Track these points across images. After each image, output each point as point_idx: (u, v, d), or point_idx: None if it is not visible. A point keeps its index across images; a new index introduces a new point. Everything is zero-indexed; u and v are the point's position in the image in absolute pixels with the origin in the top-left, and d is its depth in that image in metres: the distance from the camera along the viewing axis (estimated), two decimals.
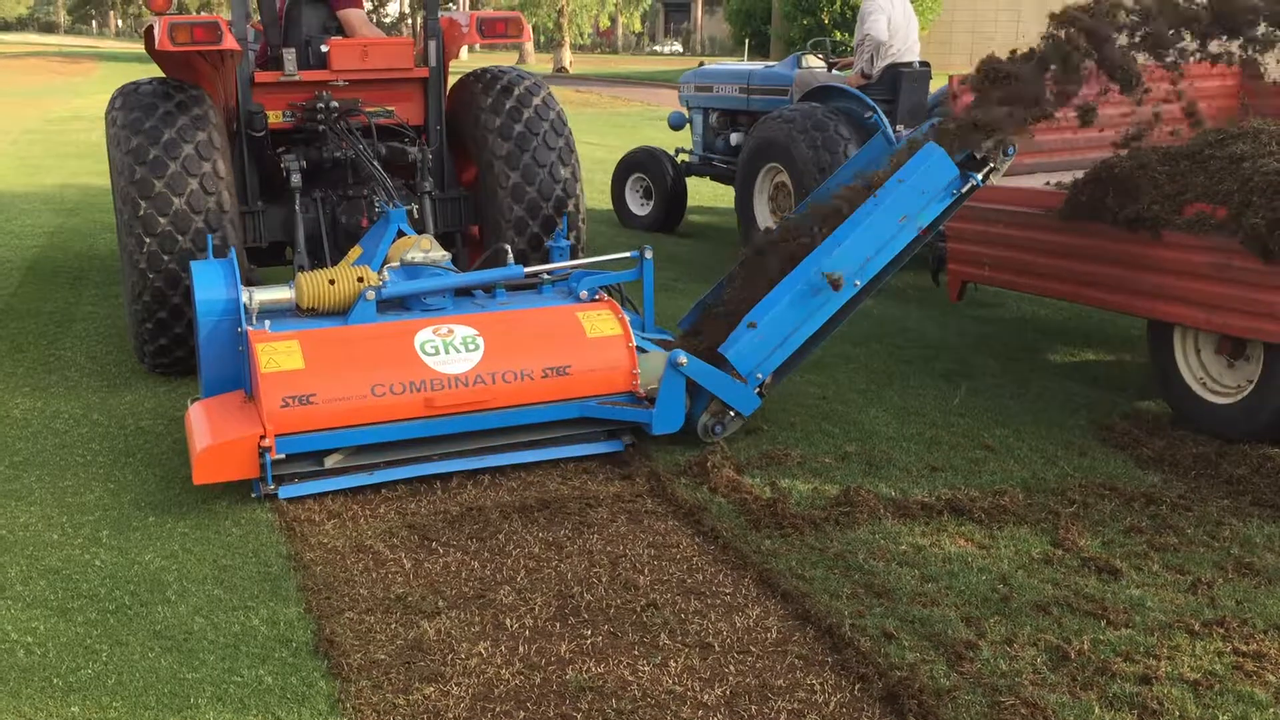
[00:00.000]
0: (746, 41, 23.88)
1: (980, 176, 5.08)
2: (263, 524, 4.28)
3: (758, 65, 10.64)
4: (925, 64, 8.89)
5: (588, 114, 24.21)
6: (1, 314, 7.23)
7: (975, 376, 6.07)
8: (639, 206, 10.74)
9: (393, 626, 3.55)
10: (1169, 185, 5.04)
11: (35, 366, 6.17)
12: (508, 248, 5.67)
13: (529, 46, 48.17)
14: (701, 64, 11.19)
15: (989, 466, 4.82)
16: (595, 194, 11.44)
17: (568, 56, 42.65)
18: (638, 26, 50.62)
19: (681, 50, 59.93)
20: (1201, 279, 4.92)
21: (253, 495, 4.50)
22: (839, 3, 22.74)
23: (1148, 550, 4.04)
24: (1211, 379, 5.19)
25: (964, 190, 5.08)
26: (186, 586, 3.80)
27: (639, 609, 3.66)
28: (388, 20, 58.92)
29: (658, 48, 62.64)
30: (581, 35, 44.48)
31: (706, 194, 12.40)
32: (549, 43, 46.19)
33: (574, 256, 6.06)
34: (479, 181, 6.62)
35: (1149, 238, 5.09)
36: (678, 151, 10.69)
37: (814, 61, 9.78)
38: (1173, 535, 4.17)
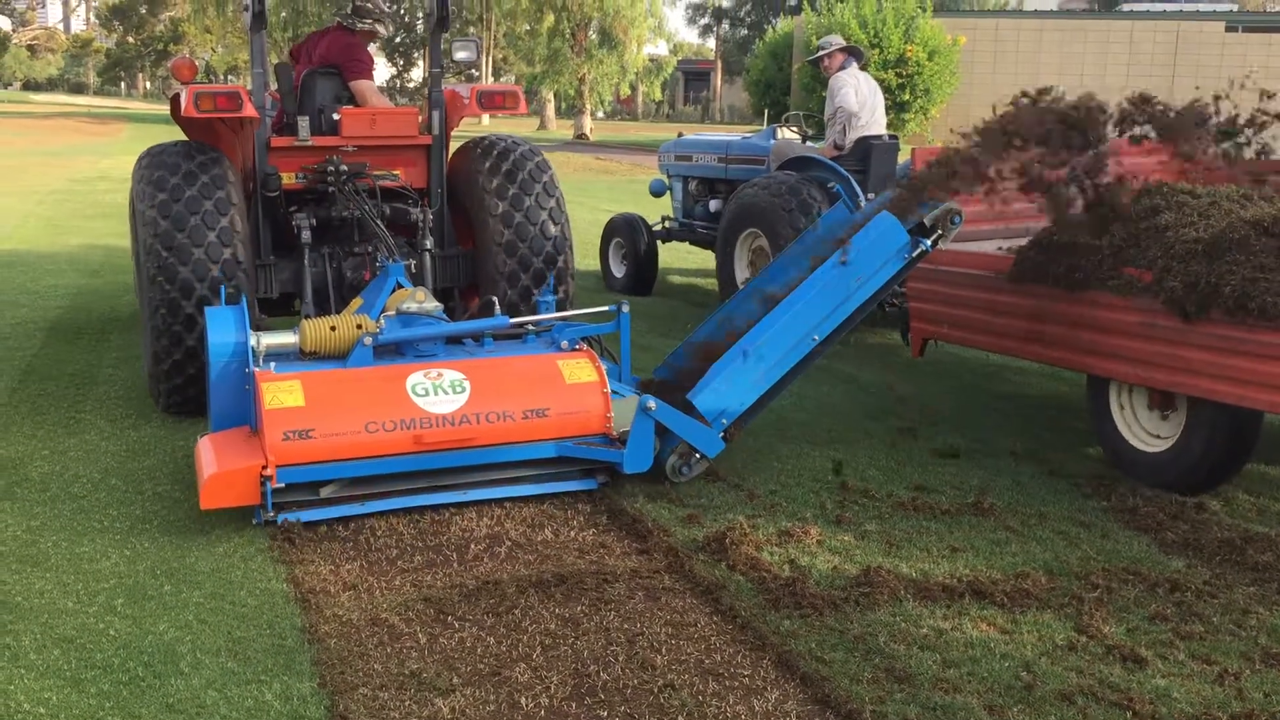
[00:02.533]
0: (766, 111, 24.13)
1: (930, 242, 5.48)
2: (277, 594, 4.26)
3: (735, 136, 11.12)
4: (894, 136, 9.41)
5: (606, 181, 24.44)
6: (23, 375, 7.27)
7: (993, 455, 6.03)
8: (618, 269, 11.21)
9: (406, 704, 3.51)
10: (1104, 250, 5.46)
11: (55, 429, 6.18)
12: (495, 300, 6.15)
13: (550, 113, 48.86)
14: (680, 134, 11.67)
15: (1010, 548, 4.77)
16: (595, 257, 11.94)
17: (589, 124, 43.14)
18: (658, 95, 51.28)
19: (700, 119, 60.56)
20: (1132, 337, 5.33)
21: (254, 521, 4.85)
22: None
23: (1173, 638, 3.98)
24: (1144, 429, 5.62)
25: (914, 255, 5.49)
26: (200, 658, 3.77)
27: (656, 690, 3.62)
28: (411, 85, 59.90)
29: (682, 123, 63.23)
30: (602, 103, 45.03)
31: (689, 259, 12.94)
32: (570, 110, 46.73)
33: (561, 310, 6.37)
34: (476, 238, 7.09)
35: (1086, 299, 5.50)
36: (663, 219, 11.16)
37: (789, 133, 10.19)
38: (1198, 623, 4.10)
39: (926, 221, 5.46)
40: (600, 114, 50.80)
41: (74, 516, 4.97)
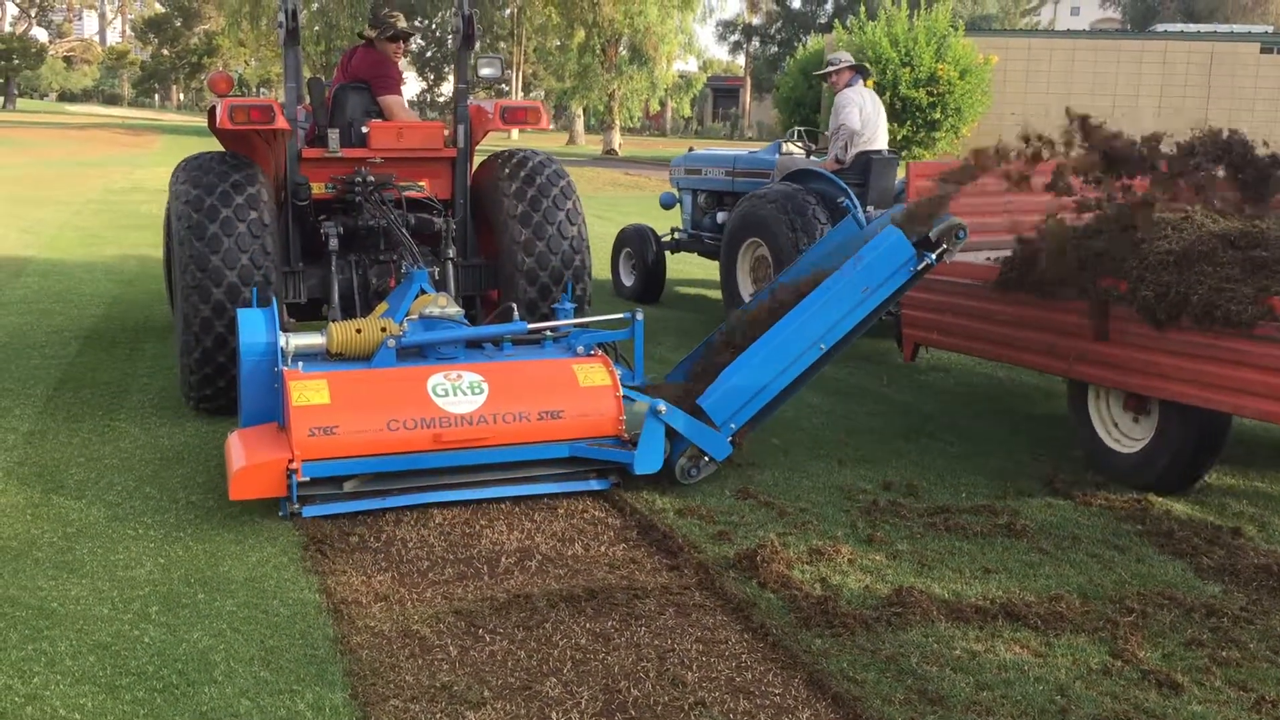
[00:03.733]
0: (796, 129, 24.10)
1: (934, 256, 5.60)
2: (310, 605, 4.28)
3: (742, 151, 11.48)
4: (894, 152, 9.73)
5: (634, 196, 24.50)
6: (59, 383, 7.35)
7: (1026, 476, 6.00)
8: (628, 278, 11.61)
9: (438, 716, 3.52)
10: (1086, 262, 5.65)
11: (91, 436, 6.24)
12: (514, 306, 6.33)
13: (579, 128, 49.04)
14: (691, 149, 12.02)
15: (1044, 570, 4.74)
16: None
17: (618, 139, 43.26)
18: (687, 111, 51.27)
19: (729, 135, 60.61)
20: (1109, 343, 5.61)
21: (280, 514, 5.05)
22: (888, 95, 22.91)
23: (1210, 664, 3.94)
24: (1120, 432, 5.91)
25: (920, 268, 5.60)
26: (234, 667, 3.79)
27: (687, 707, 3.61)
28: (441, 100, 60.28)
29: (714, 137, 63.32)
30: (631, 118, 45.13)
31: (697, 270, 13.24)
32: (600, 125, 46.87)
33: (579, 313, 6.71)
34: (496, 241, 7.29)
35: (1067, 307, 5.77)
36: (672, 230, 11.51)
37: (793, 148, 10.52)
38: (1235, 649, 4.06)
39: (932, 236, 5.60)
40: (629, 129, 50.93)
41: (109, 524, 5.01)
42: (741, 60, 69.12)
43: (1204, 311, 5.12)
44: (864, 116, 9.41)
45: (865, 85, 9.73)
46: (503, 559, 4.74)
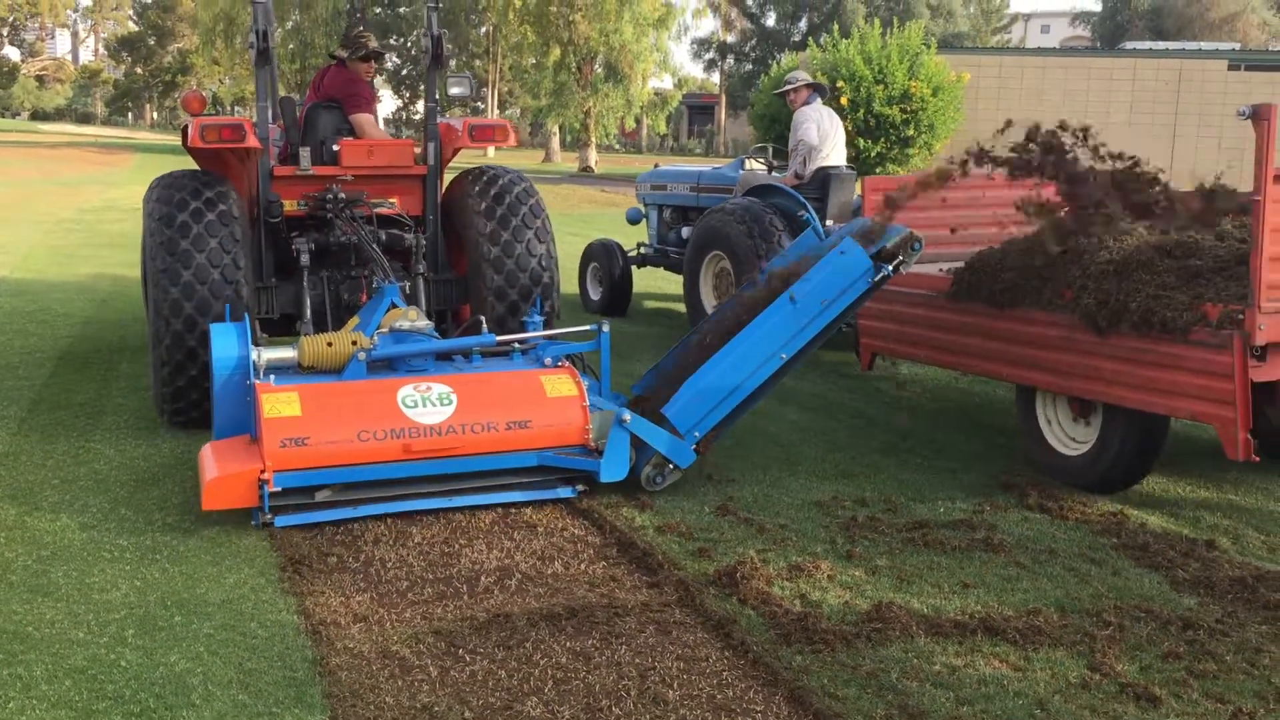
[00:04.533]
0: (770, 145, 24.20)
1: (891, 267, 5.76)
2: (288, 626, 4.25)
3: (706, 167, 11.76)
4: (851, 167, 9.97)
5: (611, 214, 24.48)
6: (32, 404, 7.29)
7: (1003, 490, 6.03)
8: (595, 291, 11.80)
9: None
10: (1031, 271, 5.96)
11: (65, 459, 6.19)
12: (483, 319, 6.52)
13: (555, 146, 49.05)
14: (656, 165, 12.33)
15: (1022, 584, 4.76)
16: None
17: (593, 156, 43.31)
18: (663, 128, 51.38)
19: (704, 152, 60.82)
20: (1054, 349, 5.85)
21: (252, 524, 5.15)
22: (862, 111, 23.07)
23: (1187, 677, 3.97)
24: (1066, 435, 6.13)
25: (877, 279, 5.77)
26: (211, 690, 3.76)
27: None
28: (416, 117, 60.18)
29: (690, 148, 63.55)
30: (607, 136, 45.24)
31: (663, 284, 13.44)
32: (576, 142, 46.92)
33: (548, 326, 6.85)
34: (467, 258, 7.41)
35: (1015, 315, 6.03)
36: (638, 245, 11.75)
37: (756, 165, 10.85)
38: (1211, 662, 4.09)
39: (888, 247, 5.76)
40: (605, 146, 51.03)
41: (84, 546, 4.97)
42: (716, 78, 69.39)
43: (1142, 318, 5.37)
44: (821, 132, 9.69)
45: (823, 103, 10.06)
46: (482, 578, 4.72)
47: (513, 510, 5.53)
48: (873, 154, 23.40)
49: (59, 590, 4.51)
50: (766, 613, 4.40)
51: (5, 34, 73.75)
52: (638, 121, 48.36)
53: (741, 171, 10.64)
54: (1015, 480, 6.16)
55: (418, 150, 7.61)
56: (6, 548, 4.93)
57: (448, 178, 7.81)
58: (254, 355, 5.58)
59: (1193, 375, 5.23)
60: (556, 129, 47.44)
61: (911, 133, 23.88)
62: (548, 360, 5.94)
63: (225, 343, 5.61)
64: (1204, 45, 34.38)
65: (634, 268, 11.59)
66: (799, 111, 9.86)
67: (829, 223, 9.07)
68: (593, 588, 4.67)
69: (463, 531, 5.26)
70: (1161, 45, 34.63)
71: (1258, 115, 4.84)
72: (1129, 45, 37.78)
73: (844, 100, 23.04)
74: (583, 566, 4.89)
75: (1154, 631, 4.32)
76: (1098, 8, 64.98)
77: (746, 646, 4.12)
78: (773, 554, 5.03)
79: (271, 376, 5.47)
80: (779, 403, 7.86)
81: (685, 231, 10.74)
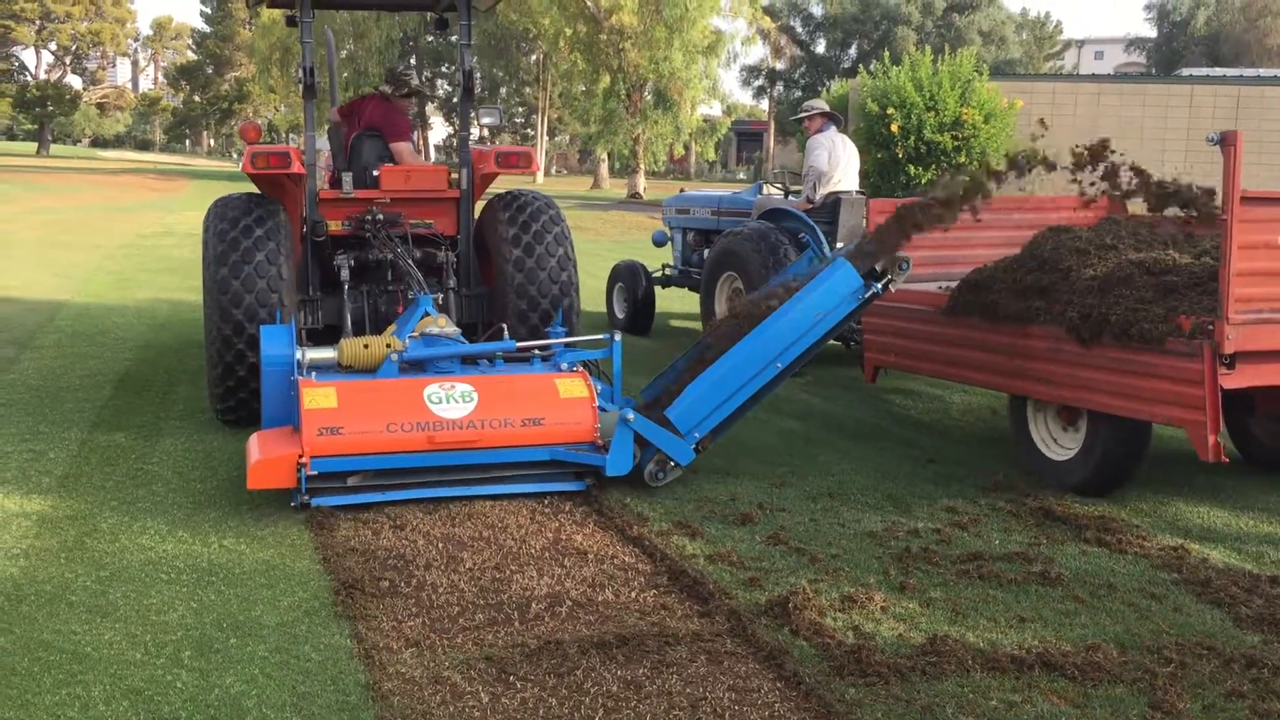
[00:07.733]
0: (786, 170, 24.12)
1: (880, 286, 6.21)
2: (341, 650, 4.27)
3: (726, 192, 12.31)
4: (863, 192, 10.30)
5: None
6: (93, 426, 7.41)
7: (1059, 523, 5.94)
8: (620, 310, 12.37)
9: None
10: (1023, 286, 6.41)
11: (124, 480, 6.29)
12: (505, 327, 7.20)
13: (604, 172, 49.32)
14: (682, 190, 12.86)
15: (1080, 619, 4.68)
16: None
17: (642, 182, 43.51)
18: (712, 155, 51.60)
19: (749, 178, 60.86)
20: (1043, 360, 6.28)
21: (291, 504, 5.71)
22: (913, 138, 22.95)
23: (1251, 716, 3.87)
24: (1054, 441, 6.57)
25: (867, 296, 6.24)
26: (265, 713, 3.78)
27: None
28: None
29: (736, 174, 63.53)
30: (656, 162, 45.38)
31: (689, 304, 13.84)
32: (625, 169, 47.13)
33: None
34: (494, 280, 8.02)
35: (1007, 328, 6.46)
36: (663, 266, 12.38)
37: (772, 189, 11.36)
38: (1276, 701, 3.98)
39: (878, 267, 6.19)
40: (653, 172, 51.16)
41: (143, 568, 5.03)
42: (765, 104, 69.49)
43: (1122, 330, 5.79)
44: (833, 159, 10.14)
45: (838, 131, 10.42)
46: (533, 605, 4.72)
47: (563, 537, 5.54)
48: (924, 181, 23.27)
49: (118, 611, 4.57)
50: (819, 644, 4.36)
51: (68, 63, 75.43)
52: (686, 148, 48.56)
53: (758, 196, 11.14)
54: (1071, 514, 6.05)
55: (453, 175, 8.26)
56: (67, 568, 5.00)
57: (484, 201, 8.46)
58: (298, 354, 6.18)
59: (1168, 382, 5.63)
60: (605, 155, 47.71)
61: (963, 160, 23.71)
62: (564, 365, 6.45)
63: (274, 342, 6.23)
64: (1263, 71, 33.96)
65: (658, 288, 12.20)
66: (811, 139, 10.30)
67: (840, 245, 9.46)
68: (644, 616, 4.65)
69: (513, 557, 5.27)
70: (1219, 71, 34.24)
71: (1224, 141, 5.28)
72: (1185, 72, 37.38)
73: (895, 127, 22.94)
74: (634, 594, 4.87)
75: (1217, 669, 4.23)
76: (1153, 34, 64.44)
77: (799, 678, 4.08)
78: (825, 584, 4.99)
79: (313, 374, 6.09)
80: (826, 429, 7.82)
81: (707, 253, 11.10)
